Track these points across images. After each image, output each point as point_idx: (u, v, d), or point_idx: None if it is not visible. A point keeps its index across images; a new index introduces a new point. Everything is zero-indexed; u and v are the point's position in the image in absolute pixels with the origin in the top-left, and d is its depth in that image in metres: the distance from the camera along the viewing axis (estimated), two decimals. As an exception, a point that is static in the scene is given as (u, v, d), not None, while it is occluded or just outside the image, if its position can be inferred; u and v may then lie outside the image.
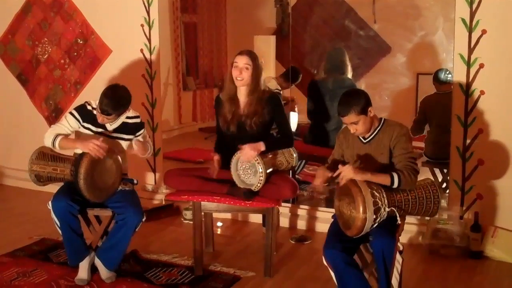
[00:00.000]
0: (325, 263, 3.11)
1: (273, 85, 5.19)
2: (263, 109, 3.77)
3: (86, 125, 3.74)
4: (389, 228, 3.04)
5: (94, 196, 3.56)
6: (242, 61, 3.71)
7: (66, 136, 3.70)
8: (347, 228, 3.02)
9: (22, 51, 5.88)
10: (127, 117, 3.78)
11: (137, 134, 3.84)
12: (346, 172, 3.03)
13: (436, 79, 4.82)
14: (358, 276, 3.04)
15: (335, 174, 3.10)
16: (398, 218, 3.05)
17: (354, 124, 3.14)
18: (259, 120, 3.76)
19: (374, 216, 2.91)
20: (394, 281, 3.03)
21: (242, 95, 3.82)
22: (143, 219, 3.67)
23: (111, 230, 3.72)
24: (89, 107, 3.76)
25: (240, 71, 3.71)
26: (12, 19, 5.86)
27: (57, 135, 3.67)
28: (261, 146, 3.67)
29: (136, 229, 3.66)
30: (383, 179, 3.04)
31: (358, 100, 3.12)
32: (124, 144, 3.82)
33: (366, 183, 2.98)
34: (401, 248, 3.04)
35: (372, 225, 2.93)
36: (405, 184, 3.04)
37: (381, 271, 2.99)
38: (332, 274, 3.09)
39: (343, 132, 3.36)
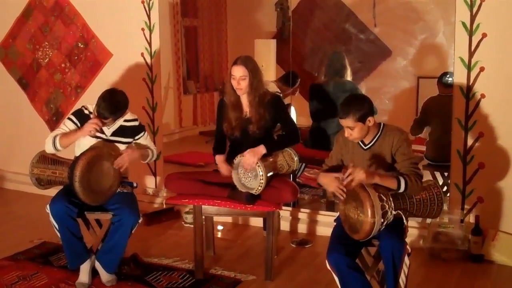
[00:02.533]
0: (328, 267, 3.09)
1: (272, 88, 5.19)
2: (265, 112, 3.79)
3: None
4: (397, 230, 3.05)
5: (90, 199, 3.55)
6: (238, 74, 3.75)
7: (64, 133, 3.70)
8: (354, 232, 3.02)
9: (23, 55, 5.88)
10: (125, 120, 3.78)
11: (136, 137, 3.84)
12: (359, 175, 2.98)
13: (441, 82, 4.81)
14: (362, 280, 3.04)
15: (346, 175, 3.05)
16: (405, 221, 3.06)
17: (350, 129, 3.13)
18: (261, 123, 3.78)
19: (382, 220, 2.91)
20: (401, 284, 3.02)
21: (245, 99, 3.84)
22: (140, 220, 3.67)
23: (108, 233, 3.71)
24: (86, 111, 3.77)
25: (238, 82, 3.76)
26: (13, 23, 5.87)
27: (55, 136, 3.67)
28: (262, 149, 3.68)
29: (133, 230, 3.65)
30: (390, 183, 3.04)
31: (360, 106, 3.10)
32: (123, 147, 3.81)
33: (373, 186, 2.98)
34: (409, 250, 3.04)
35: (379, 229, 2.94)
36: (411, 188, 3.04)
37: (389, 273, 2.98)
38: (336, 278, 3.08)
39: (342, 135, 3.33)
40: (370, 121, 3.13)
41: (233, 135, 3.86)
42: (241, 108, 3.86)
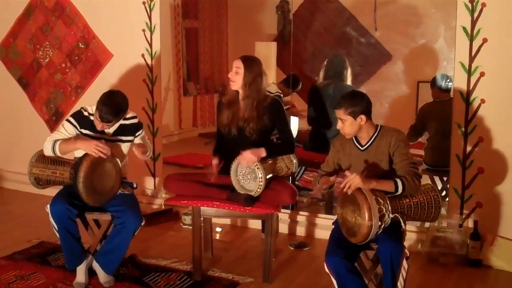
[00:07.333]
0: (326, 270, 3.09)
1: (273, 89, 5.19)
2: (263, 115, 3.77)
3: (84, 131, 3.73)
4: (395, 234, 3.06)
5: (93, 200, 3.55)
6: (234, 65, 3.77)
7: (64, 139, 3.69)
8: (352, 235, 3.02)
9: (23, 54, 5.89)
10: (124, 119, 3.77)
11: (137, 134, 3.84)
12: (355, 181, 3.00)
13: (435, 87, 4.82)
14: (360, 283, 3.04)
15: (342, 185, 3.06)
16: (403, 224, 3.07)
17: (341, 121, 3.19)
18: (257, 126, 3.76)
19: (379, 223, 2.91)
20: (399, 287, 3.02)
21: (241, 99, 3.83)
22: (142, 223, 3.67)
23: (110, 234, 3.72)
24: (85, 113, 3.75)
25: (232, 74, 3.77)
26: (13, 22, 5.88)
27: (55, 141, 3.66)
28: (262, 152, 3.68)
29: (135, 233, 3.66)
30: (388, 186, 3.05)
31: (356, 102, 3.17)
32: (124, 147, 3.82)
33: (370, 190, 2.98)
34: (407, 254, 3.04)
35: (377, 232, 2.94)
36: (409, 189, 3.05)
37: (388, 277, 2.99)
38: (334, 281, 3.09)
39: (339, 139, 3.36)
40: (362, 119, 3.16)
41: (230, 134, 3.83)
42: (237, 107, 3.83)
